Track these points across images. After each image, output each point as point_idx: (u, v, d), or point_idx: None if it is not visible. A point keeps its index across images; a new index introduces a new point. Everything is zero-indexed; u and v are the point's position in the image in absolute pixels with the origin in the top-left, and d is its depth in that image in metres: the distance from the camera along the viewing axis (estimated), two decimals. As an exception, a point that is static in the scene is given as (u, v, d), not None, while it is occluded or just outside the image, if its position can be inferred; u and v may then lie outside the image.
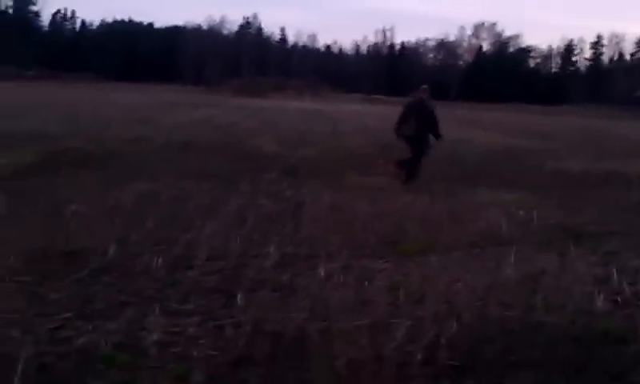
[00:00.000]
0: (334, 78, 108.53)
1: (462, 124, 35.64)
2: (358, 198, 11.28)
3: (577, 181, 15.13)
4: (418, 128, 14.21)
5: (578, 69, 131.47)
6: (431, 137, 14.46)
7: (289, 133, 25.50)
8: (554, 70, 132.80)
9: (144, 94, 57.77)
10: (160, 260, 6.68)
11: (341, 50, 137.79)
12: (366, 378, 4.40)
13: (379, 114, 44.61)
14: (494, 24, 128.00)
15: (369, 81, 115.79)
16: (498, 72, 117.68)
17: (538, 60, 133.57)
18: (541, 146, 25.31)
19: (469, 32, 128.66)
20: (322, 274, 6.51)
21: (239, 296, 5.74)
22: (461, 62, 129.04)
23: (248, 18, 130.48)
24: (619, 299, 6.31)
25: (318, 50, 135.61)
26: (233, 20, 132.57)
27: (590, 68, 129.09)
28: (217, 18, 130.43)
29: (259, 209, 10.00)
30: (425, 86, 15.10)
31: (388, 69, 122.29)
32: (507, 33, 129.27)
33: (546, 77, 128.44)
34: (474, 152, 21.04)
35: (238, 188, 11.81)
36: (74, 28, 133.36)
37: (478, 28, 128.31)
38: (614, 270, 7.08)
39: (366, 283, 6.26)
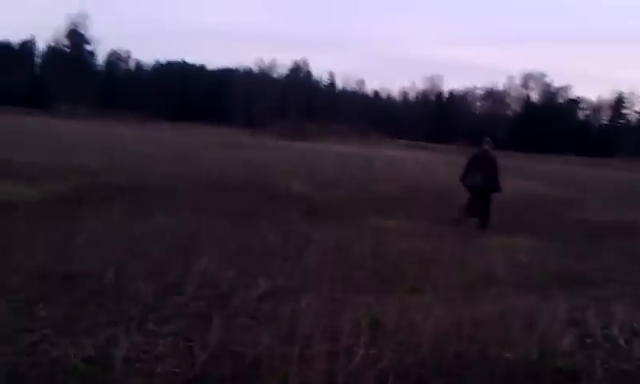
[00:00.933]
0: (381, 123, 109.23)
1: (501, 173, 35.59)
2: (368, 239, 11.55)
3: (596, 231, 15.21)
4: (484, 178, 14.76)
5: (628, 121, 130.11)
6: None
7: (322, 175, 25.91)
8: (604, 122, 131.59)
9: (192, 135, 58.81)
10: (151, 286, 7.03)
11: (389, 96, 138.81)
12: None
13: (419, 161, 44.92)
14: (543, 74, 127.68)
15: (416, 127, 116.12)
16: (547, 122, 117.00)
17: (588, 112, 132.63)
18: (573, 196, 25.28)
19: (517, 82, 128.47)
20: (303, 305, 6.79)
21: (214, 320, 6.05)
22: (509, 112, 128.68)
23: (298, 61, 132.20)
24: (588, 341, 6.49)
25: (365, 95, 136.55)
26: (283, 64, 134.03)
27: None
28: (267, 61, 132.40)
29: (266, 244, 10.33)
30: (488, 139, 15.67)
31: (435, 116, 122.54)
32: (556, 84, 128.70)
33: (595, 129, 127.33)
34: (502, 200, 21.09)
35: (254, 225, 12.16)
36: (129, 68, 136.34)
37: (527, 78, 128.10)
38: (591, 314, 7.26)
39: (343, 316, 6.49)
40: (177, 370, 5.01)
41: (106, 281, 7.16)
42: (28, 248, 8.40)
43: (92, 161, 22.22)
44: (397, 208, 16.62)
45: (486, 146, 15.57)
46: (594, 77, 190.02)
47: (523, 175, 37.00)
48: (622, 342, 6.51)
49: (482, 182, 15.03)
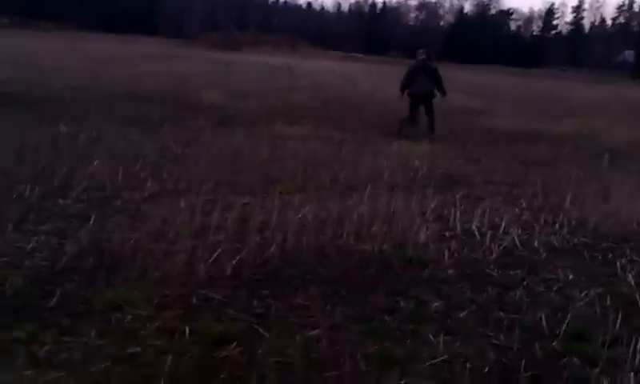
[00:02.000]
0: (315, 35, 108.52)
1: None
2: (268, 145, 11.87)
3: (498, 137, 15.75)
4: (428, 86, 15.24)
5: (559, 33, 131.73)
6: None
7: (242, 85, 25.97)
8: (535, 33, 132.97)
9: (117, 45, 57.60)
10: (38, 189, 7.27)
11: (322, 7, 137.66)
12: (176, 286, 5.03)
13: (348, 72, 45.11)
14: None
15: (349, 39, 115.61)
16: (479, 34, 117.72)
17: (520, 23, 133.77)
18: (487, 105, 25.87)
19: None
20: (182, 204, 7.13)
21: (92, 219, 6.35)
22: (442, 23, 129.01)
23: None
24: (447, 234, 7.00)
25: (299, 7, 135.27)
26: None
27: (570, 32, 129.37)
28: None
29: (165, 151, 10.58)
30: (422, 50, 16.20)
31: (369, 28, 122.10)
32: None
33: (526, 40, 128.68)
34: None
35: (159, 133, 12.34)
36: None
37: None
38: (459, 211, 7.78)
39: (216, 214, 6.84)
40: (44, 264, 5.31)
41: (-8, 185, 7.37)
42: None
43: (2, 73, 21.83)
44: (307, 116, 16.88)
45: (422, 57, 16.00)
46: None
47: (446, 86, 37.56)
48: (477, 234, 7.04)
49: (425, 89, 15.59)
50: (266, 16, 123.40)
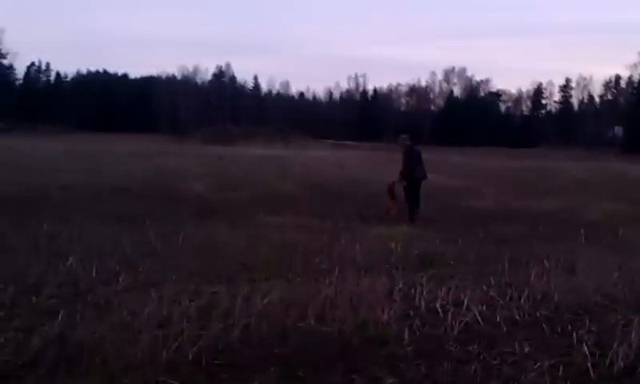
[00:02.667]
0: (307, 124, 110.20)
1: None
2: (248, 235, 12.12)
3: (477, 217, 16.06)
4: (422, 169, 15.74)
5: (550, 111, 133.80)
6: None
7: (229, 178, 26.39)
8: (524, 113, 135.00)
9: (112, 145, 58.49)
10: (12, 288, 7.46)
11: (314, 96, 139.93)
12: (135, 374, 5.18)
13: (339, 160, 45.66)
14: (464, 69, 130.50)
15: (342, 126, 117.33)
16: (470, 116, 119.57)
17: (509, 104, 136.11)
18: (474, 186, 26.30)
19: (440, 77, 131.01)
20: (152, 295, 7.31)
21: (61, 314, 6.52)
22: (432, 107, 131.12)
23: (221, 66, 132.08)
24: (411, 313, 7.16)
25: (291, 96, 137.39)
26: (206, 69, 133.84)
27: (560, 110, 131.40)
28: (190, 67, 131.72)
29: (144, 245, 10.80)
30: (405, 135, 16.73)
31: (360, 114, 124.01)
32: (478, 77, 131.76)
33: (516, 120, 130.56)
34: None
35: (140, 228, 12.58)
36: (49, 80, 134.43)
37: (449, 73, 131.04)
38: (426, 290, 7.96)
39: (184, 303, 7.01)
40: (8, 358, 5.46)
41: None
42: None
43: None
44: (292, 206, 17.23)
45: (407, 142, 16.57)
46: (513, 69, 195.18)
47: (432, 168, 38.09)
48: (440, 311, 7.20)
49: (423, 173, 16.15)
50: (259, 107, 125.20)
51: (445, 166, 41.15)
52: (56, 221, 12.86)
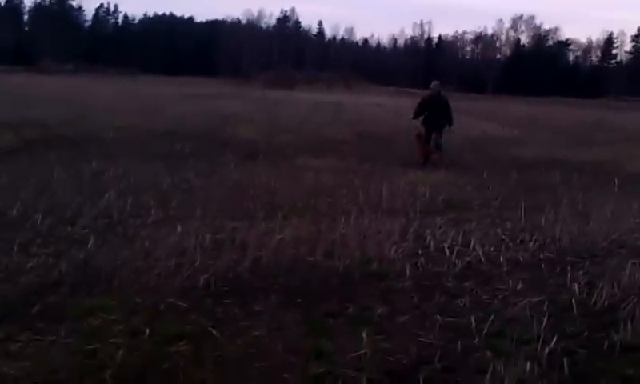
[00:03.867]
0: (370, 71, 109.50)
1: (468, 116, 36.60)
2: (283, 176, 12.57)
3: (517, 165, 16.11)
4: (437, 116, 16.48)
5: (620, 61, 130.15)
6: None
7: (283, 122, 26.84)
8: (594, 63, 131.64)
9: (174, 87, 59.39)
10: (49, 218, 8.08)
11: (379, 43, 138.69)
12: (149, 296, 5.68)
13: (396, 107, 45.62)
14: (532, 17, 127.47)
15: (405, 74, 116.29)
16: (537, 65, 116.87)
17: (578, 53, 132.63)
18: (523, 135, 26.22)
19: (507, 25, 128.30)
20: (179, 229, 7.82)
21: (90, 242, 7.09)
22: (499, 56, 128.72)
23: (286, 11, 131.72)
24: (419, 252, 7.54)
25: (355, 43, 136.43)
26: (271, 13, 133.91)
27: (631, 61, 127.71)
28: (255, 11, 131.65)
29: (182, 183, 11.35)
30: (437, 82, 17.29)
31: (425, 62, 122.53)
32: (546, 26, 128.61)
33: (585, 70, 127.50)
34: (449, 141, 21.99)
35: (182, 167, 13.11)
36: (117, 22, 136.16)
37: (516, 21, 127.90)
38: (436, 231, 8.33)
39: (207, 236, 7.51)
40: (37, 279, 6.03)
41: (11, 216, 8.19)
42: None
43: (51, 115, 23.05)
44: (337, 150, 17.61)
45: (437, 89, 16.90)
46: (583, 18, 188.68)
47: (487, 117, 37.97)
48: (447, 251, 7.56)
49: (436, 119, 16.41)
50: (322, 53, 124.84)
51: (501, 116, 40.99)
52: (104, 159, 13.47)
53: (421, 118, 16.61)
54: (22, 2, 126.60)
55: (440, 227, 8.70)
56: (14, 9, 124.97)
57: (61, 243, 7.24)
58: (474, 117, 36.93)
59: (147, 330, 4.97)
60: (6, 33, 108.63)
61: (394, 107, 43.20)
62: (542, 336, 5.16)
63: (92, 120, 22.88)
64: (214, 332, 5.06)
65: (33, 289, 5.78)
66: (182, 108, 32.26)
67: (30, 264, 6.41)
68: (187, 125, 22.76)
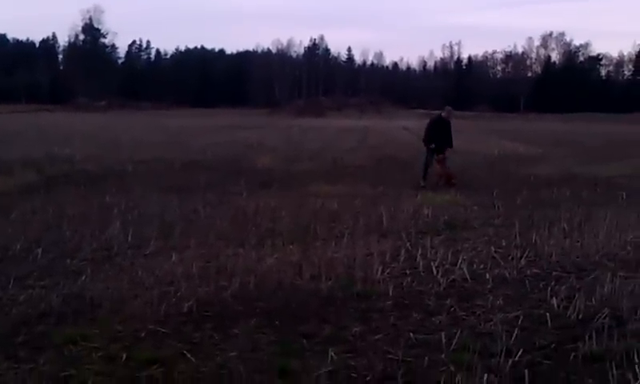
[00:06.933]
0: (400, 95, 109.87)
1: (490, 134, 36.72)
2: (290, 204, 12.74)
3: (532, 183, 16.22)
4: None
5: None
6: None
7: (303, 150, 27.13)
8: (627, 76, 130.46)
9: (204, 118, 60.17)
10: (51, 252, 8.38)
11: (408, 66, 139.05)
12: (133, 323, 5.89)
13: (422, 130, 45.70)
14: (562, 34, 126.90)
15: (436, 96, 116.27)
16: (568, 82, 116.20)
17: (610, 68, 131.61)
18: (542, 153, 26.22)
19: (537, 43, 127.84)
20: (173, 258, 8.06)
21: (86, 274, 7.34)
22: (530, 74, 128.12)
23: (315, 39, 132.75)
24: (407, 272, 7.69)
25: (385, 67, 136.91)
26: (300, 42, 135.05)
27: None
28: (284, 40, 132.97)
29: (188, 213, 11.59)
30: (449, 107, 17.69)
31: (455, 83, 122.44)
32: (576, 42, 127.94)
33: (617, 84, 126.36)
34: (467, 161, 22.01)
35: (197, 198, 13.34)
36: (149, 57, 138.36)
37: (546, 38, 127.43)
38: (426, 251, 8.47)
39: (199, 263, 7.73)
40: (29, 311, 6.27)
41: (14, 251, 8.49)
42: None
43: (78, 152, 23.56)
44: (351, 175, 17.79)
45: (444, 113, 17.16)
46: (614, 32, 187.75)
47: (512, 136, 37.92)
48: (434, 270, 7.69)
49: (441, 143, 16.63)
50: (352, 79, 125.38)
51: (526, 134, 40.93)
52: (118, 192, 13.78)
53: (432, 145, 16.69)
54: (56, 41, 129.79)
55: (432, 247, 8.82)
56: (48, 49, 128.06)
57: (57, 275, 7.48)
58: (498, 135, 37.03)
59: (124, 356, 5.17)
60: (41, 72, 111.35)
61: (421, 129, 43.32)
62: (508, 349, 5.27)
63: (116, 154, 23.33)
64: (188, 355, 5.25)
65: (22, 319, 6.02)
66: (207, 139, 32.77)
67: (23, 296, 6.66)
68: (208, 156, 23.14)
